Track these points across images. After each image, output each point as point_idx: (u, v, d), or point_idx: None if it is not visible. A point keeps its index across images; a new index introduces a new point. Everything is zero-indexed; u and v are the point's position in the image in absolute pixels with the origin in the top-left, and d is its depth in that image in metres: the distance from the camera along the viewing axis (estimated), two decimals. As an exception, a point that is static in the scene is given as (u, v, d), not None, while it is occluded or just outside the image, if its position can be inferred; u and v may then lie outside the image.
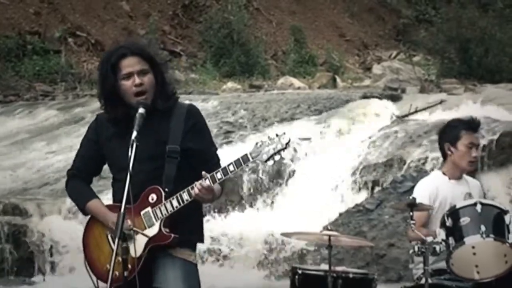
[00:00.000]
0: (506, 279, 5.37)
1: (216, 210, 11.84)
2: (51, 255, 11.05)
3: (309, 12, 28.44)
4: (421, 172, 11.01)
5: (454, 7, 24.66)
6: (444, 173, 6.09)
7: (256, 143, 4.49)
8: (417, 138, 12.68)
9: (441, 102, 15.26)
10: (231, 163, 4.45)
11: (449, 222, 5.42)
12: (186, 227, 4.57)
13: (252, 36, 25.16)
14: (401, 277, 9.68)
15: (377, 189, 11.77)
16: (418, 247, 5.38)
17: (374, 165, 12.22)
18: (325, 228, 6.52)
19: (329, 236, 5.69)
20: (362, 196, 11.80)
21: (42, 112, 18.09)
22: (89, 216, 4.72)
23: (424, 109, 14.85)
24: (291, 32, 26.12)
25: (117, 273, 4.34)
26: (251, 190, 12.39)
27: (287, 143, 4.45)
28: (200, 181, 4.45)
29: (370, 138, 13.23)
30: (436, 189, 5.97)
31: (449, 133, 6.11)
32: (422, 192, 5.95)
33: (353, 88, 20.56)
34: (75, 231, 10.17)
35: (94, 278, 4.56)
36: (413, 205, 5.55)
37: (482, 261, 5.31)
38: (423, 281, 5.44)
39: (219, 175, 4.46)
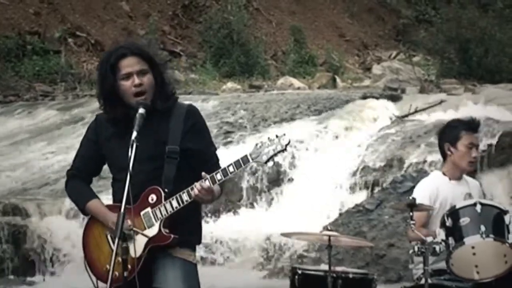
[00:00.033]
0: (506, 279, 5.37)
1: (215, 211, 11.84)
2: (51, 255, 11.05)
3: (309, 12, 28.45)
4: (421, 172, 11.01)
5: (454, 7, 24.68)
6: (444, 174, 6.09)
7: (256, 144, 4.48)
8: (417, 138, 12.68)
9: (441, 102, 15.27)
10: (231, 164, 4.45)
11: (449, 222, 5.42)
12: (186, 227, 4.56)
13: (252, 36, 25.18)
14: (401, 277, 9.68)
15: (377, 189, 11.77)
16: (418, 247, 5.38)
17: (374, 165, 12.22)
18: (325, 228, 6.51)
19: (329, 236, 5.69)
20: (362, 196, 11.80)
21: (42, 112, 18.10)
22: (89, 216, 4.72)
23: (424, 109, 14.86)
24: (291, 32, 26.13)
25: (117, 273, 4.34)
26: (251, 190, 12.39)
27: (287, 144, 4.45)
28: (199, 182, 4.44)
29: (370, 138, 13.23)
30: (436, 189, 5.97)
31: (449, 134, 6.11)
32: (422, 192, 5.95)
33: (353, 88, 20.58)
34: (75, 231, 10.19)
35: (94, 278, 4.56)
36: (413, 206, 5.55)
37: (482, 261, 5.31)
38: (423, 281, 5.43)
39: (218, 176, 4.46)
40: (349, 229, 10.75)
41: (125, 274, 4.35)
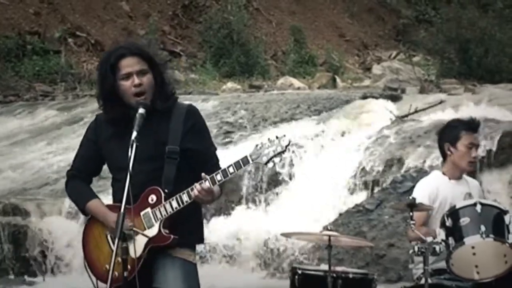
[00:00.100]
0: (506, 279, 5.37)
1: (216, 211, 11.84)
2: (51, 255, 11.05)
3: (309, 12, 28.45)
4: (421, 172, 10.99)
5: (454, 8, 24.69)
6: (444, 173, 6.09)
7: (256, 145, 4.48)
8: (417, 138, 12.66)
9: (440, 102, 15.26)
10: (231, 165, 4.45)
11: (449, 222, 5.42)
12: (186, 227, 4.56)
13: (252, 36, 25.18)
14: (401, 277, 9.67)
15: (377, 189, 11.76)
16: (418, 247, 5.38)
17: (373, 165, 12.21)
18: (325, 228, 6.51)
19: (329, 236, 5.69)
20: (362, 196, 11.79)
21: (42, 112, 18.09)
22: (89, 216, 4.72)
23: (424, 109, 14.85)
24: (291, 32, 26.13)
25: (116, 273, 4.34)
26: (251, 190, 12.38)
27: (287, 145, 4.45)
28: (199, 183, 4.44)
29: (369, 138, 13.21)
30: (436, 189, 5.97)
31: (449, 133, 6.11)
32: (422, 192, 5.95)
33: (353, 88, 20.57)
34: (75, 231, 10.19)
35: (94, 278, 4.56)
36: (413, 205, 5.55)
37: (482, 261, 5.31)
38: (423, 281, 5.43)
39: (218, 177, 4.45)
40: (349, 229, 10.74)
41: (125, 274, 4.35)
